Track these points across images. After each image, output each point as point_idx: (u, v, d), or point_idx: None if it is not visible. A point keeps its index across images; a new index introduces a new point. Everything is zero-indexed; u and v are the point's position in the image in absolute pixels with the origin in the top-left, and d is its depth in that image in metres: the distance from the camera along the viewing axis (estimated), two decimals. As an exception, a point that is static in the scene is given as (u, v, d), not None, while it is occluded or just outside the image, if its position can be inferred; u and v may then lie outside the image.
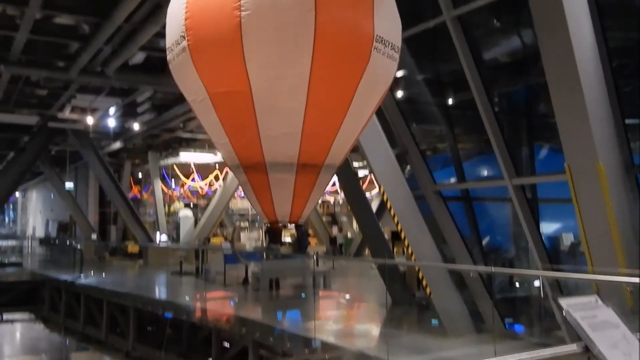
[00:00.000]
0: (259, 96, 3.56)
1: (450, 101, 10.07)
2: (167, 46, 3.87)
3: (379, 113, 9.79)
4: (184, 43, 3.59)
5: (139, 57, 13.99)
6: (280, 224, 4.14)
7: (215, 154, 24.99)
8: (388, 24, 3.75)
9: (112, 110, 19.69)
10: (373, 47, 3.58)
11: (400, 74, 10.49)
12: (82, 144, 22.98)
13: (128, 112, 19.98)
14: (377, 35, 3.59)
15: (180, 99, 17.36)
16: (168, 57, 3.88)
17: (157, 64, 14.35)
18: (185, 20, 3.57)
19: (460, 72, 8.18)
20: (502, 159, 8.08)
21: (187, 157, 25.22)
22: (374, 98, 3.99)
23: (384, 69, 3.80)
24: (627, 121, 6.71)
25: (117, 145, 25.69)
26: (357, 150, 9.90)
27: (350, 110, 3.76)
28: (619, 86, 6.61)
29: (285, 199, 4.00)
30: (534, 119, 9.09)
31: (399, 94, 10.26)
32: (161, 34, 11.63)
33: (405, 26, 9.48)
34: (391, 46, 3.76)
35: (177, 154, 24.76)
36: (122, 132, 22.76)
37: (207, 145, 24.40)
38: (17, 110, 19.28)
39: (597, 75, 6.45)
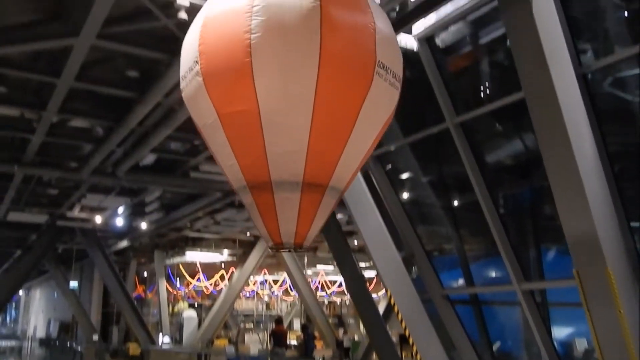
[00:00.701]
0: (267, 113, 3.73)
1: (455, 203, 10.13)
2: (181, 75, 4.05)
3: (385, 215, 9.84)
4: (197, 68, 3.81)
5: (149, 159, 14.30)
6: (285, 247, 4.14)
7: (222, 254, 24.91)
8: (390, 54, 3.99)
9: (120, 209, 19.86)
10: (375, 72, 3.76)
11: (405, 176, 10.64)
12: (89, 242, 23.00)
13: (136, 211, 20.12)
14: (379, 60, 3.81)
15: (188, 198, 17.60)
16: (181, 86, 4.06)
17: (167, 165, 14.66)
18: (199, 46, 3.81)
19: (464, 175, 8.30)
20: (510, 263, 8.01)
21: (193, 256, 25.12)
22: (378, 121, 4.15)
23: (386, 94, 3.98)
24: (633, 224, 6.70)
25: (123, 243, 25.69)
26: (363, 251, 9.85)
27: (354, 132, 3.92)
28: (621, 190, 6.66)
29: (290, 219, 4.08)
30: (539, 221, 9.08)
31: (405, 195, 10.36)
32: (172, 137, 11.97)
33: (410, 132, 9.61)
34: (393, 74, 3.97)
35: (184, 253, 24.68)
36: (129, 230, 22.82)
37: (214, 244, 24.38)
38: (27, 209, 19.48)
39: (600, 179, 6.51)
